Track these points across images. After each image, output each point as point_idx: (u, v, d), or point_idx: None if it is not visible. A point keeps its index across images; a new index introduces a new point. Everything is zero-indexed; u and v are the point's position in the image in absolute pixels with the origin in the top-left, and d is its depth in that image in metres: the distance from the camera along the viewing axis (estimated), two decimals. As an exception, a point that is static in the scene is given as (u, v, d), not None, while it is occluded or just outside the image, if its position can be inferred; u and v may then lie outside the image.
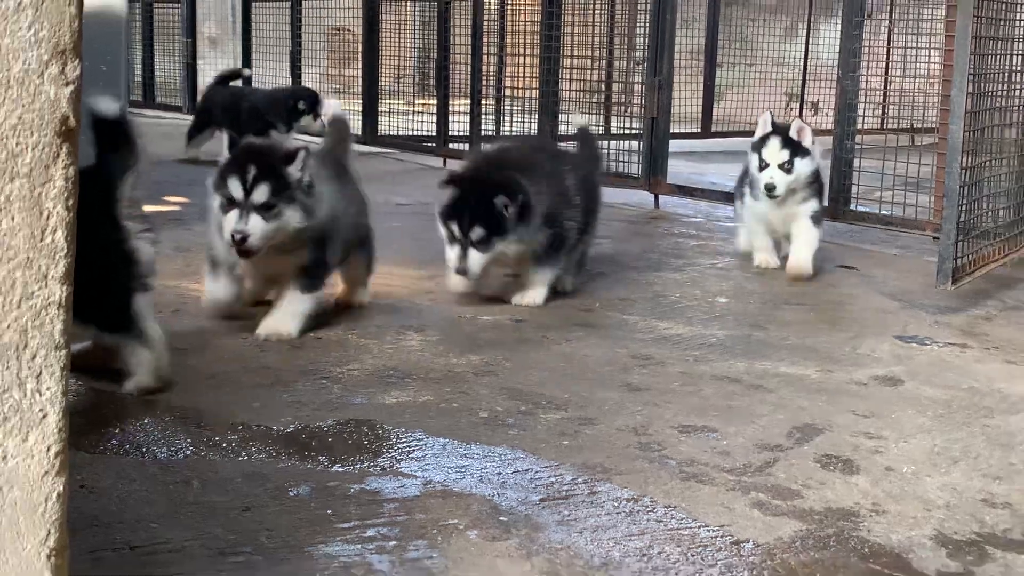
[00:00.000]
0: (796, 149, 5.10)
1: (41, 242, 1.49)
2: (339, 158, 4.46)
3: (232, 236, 3.58)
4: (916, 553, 2.42)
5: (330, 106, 5.45)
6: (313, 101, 8.30)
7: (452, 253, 4.24)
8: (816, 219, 5.25)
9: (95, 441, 2.82)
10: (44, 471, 1.52)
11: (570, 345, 3.94)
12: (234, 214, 3.61)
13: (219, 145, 4.56)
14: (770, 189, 5.06)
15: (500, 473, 2.75)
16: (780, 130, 5.19)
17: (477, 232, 4.18)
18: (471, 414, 3.18)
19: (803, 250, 5.18)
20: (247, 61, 11.46)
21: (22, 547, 1.52)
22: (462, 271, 4.24)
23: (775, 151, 5.10)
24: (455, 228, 4.21)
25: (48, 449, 1.52)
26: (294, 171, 3.69)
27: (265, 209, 3.62)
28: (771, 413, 3.27)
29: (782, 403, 3.37)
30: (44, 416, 1.52)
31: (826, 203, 5.85)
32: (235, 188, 3.63)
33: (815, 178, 5.24)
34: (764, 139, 5.17)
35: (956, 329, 4.40)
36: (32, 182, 1.47)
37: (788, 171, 5.07)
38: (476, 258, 4.20)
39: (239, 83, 9.40)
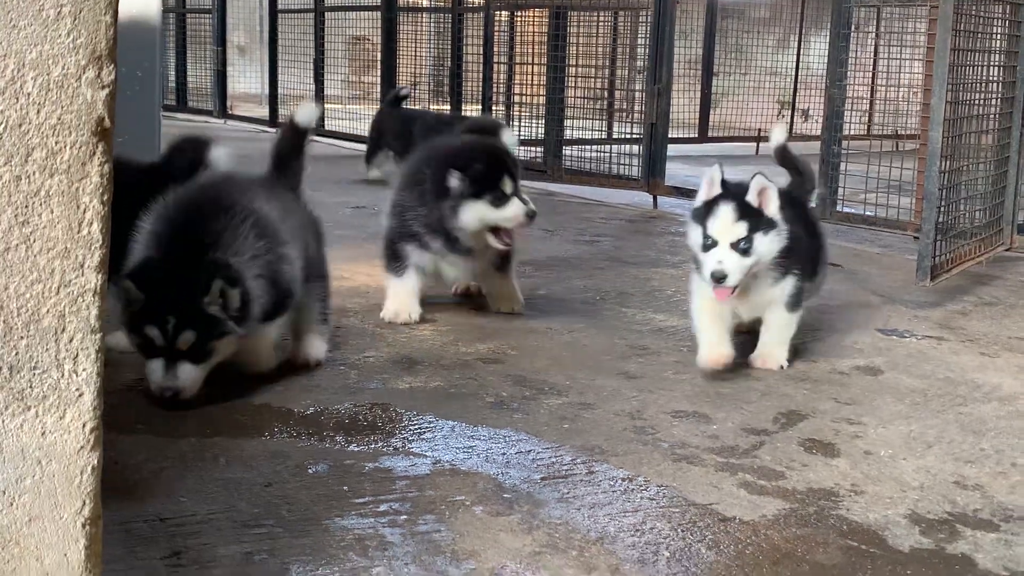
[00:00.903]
0: (757, 220, 3.41)
1: (78, 234, 1.49)
2: None
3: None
4: (891, 531, 2.43)
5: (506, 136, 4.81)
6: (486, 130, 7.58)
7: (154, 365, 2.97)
8: (794, 303, 3.64)
9: (129, 420, 2.84)
10: (80, 446, 1.53)
11: (572, 335, 3.95)
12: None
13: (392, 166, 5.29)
14: (719, 278, 3.34)
15: (505, 454, 2.77)
16: (733, 193, 3.46)
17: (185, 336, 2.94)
18: (478, 399, 3.19)
19: (775, 339, 3.69)
20: (273, 69, 11.49)
21: (59, 516, 1.53)
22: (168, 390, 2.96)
23: (726, 224, 3.38)
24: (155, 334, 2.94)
25: (84, 426, 1.52)
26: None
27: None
28: (758, 400, 3.27)
29: (769, 391, 3.38)
30: (80, 395, 1.52)
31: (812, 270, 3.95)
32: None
33: (788, 252, 3.53)
34: (711, 205, 3.44)
35: (934, 323, 4.39)
36: (70, 178, 1.47)
37: (746, 252, 3.37)
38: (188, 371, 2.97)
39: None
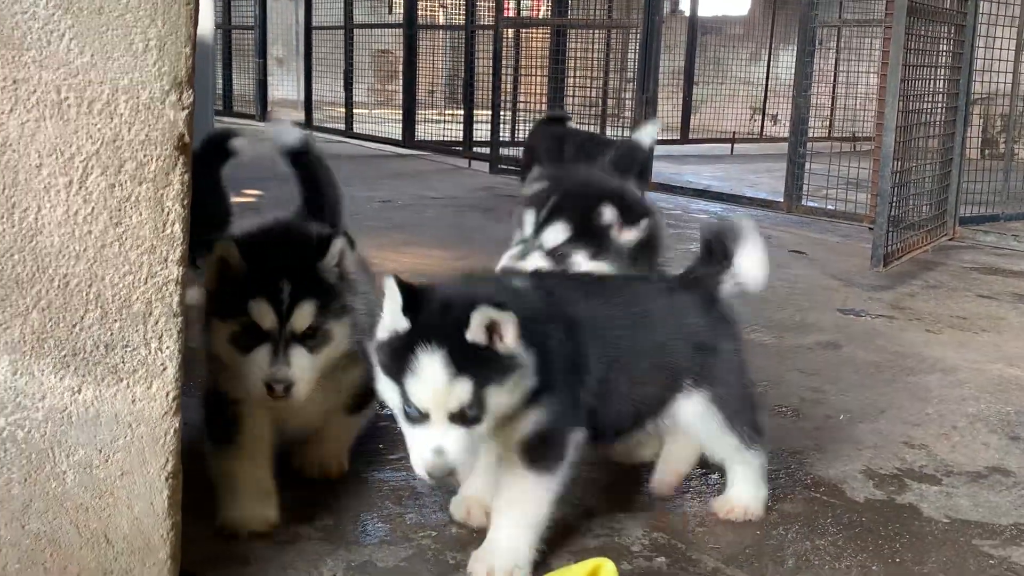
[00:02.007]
0: (486, 368, 1.76)
1: (163, 232, 1.52)
2: None
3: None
4: (849, 484, 2.46)
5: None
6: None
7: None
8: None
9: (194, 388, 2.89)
10: (164, 411, 1.57)
11: None
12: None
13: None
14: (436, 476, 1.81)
15: None
16: (440, 325, 1.76)
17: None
18: None
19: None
20: (308, 78, 11.45)
21: (147, 471, 1.57)
22: None
23: (438, 388, 1.72)
24: None
25: (167, 394, 1.56)
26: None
27: None
28: None
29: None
30: (164, 369, 1.55)
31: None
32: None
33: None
34: (403, 350, 1.75)
35: (886, 303, 4.39)
36: (156, 186, 1.51)
37: (476, 420, 1.76)
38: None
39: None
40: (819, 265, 5.22)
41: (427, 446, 1.72)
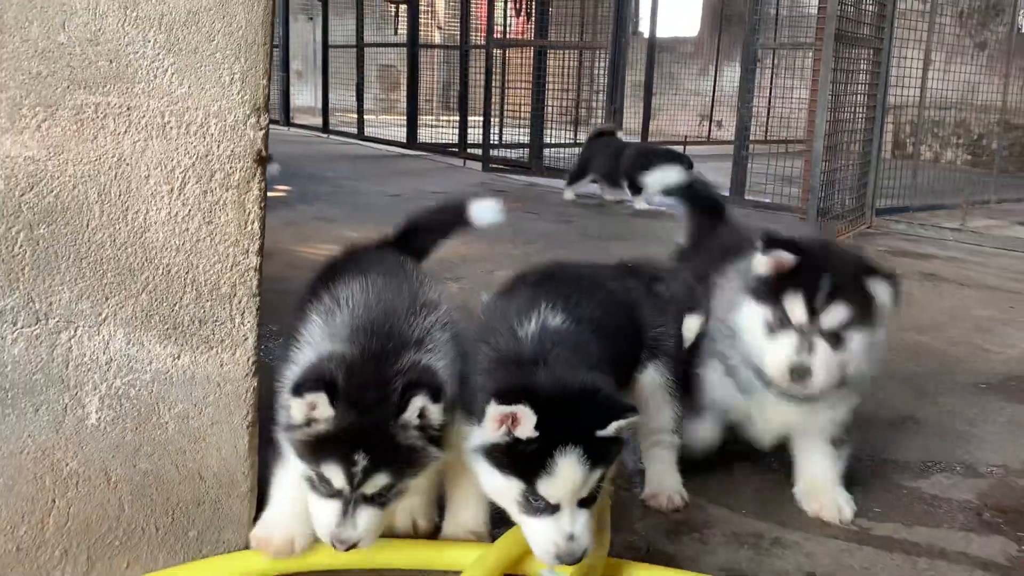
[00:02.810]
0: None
1: (245, 229, 1.58)
2: None
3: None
4: None
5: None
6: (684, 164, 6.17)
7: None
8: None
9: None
10: (245, 373, 1.63)
11: None
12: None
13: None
14: (800, 374, 1.83)
15: None
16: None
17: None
18: None
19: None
20: (325, 88, 11.43)
21: (231, 421, 1.64)
22: None
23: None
24: None
25: (248, 359, 1.63)
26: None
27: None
28: None
29: None
30: (246, 339, 1.62)
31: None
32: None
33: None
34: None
35: None
36: (239, 192, 1.57)
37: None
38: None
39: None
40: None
41: (560, 534, 1.53)
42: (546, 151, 8.34)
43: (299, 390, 1.47)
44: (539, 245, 4.99)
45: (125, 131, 1.46)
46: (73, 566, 1.55)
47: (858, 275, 1.89)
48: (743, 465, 2.31)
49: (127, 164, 1.47)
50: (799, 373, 1.83)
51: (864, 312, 1.87)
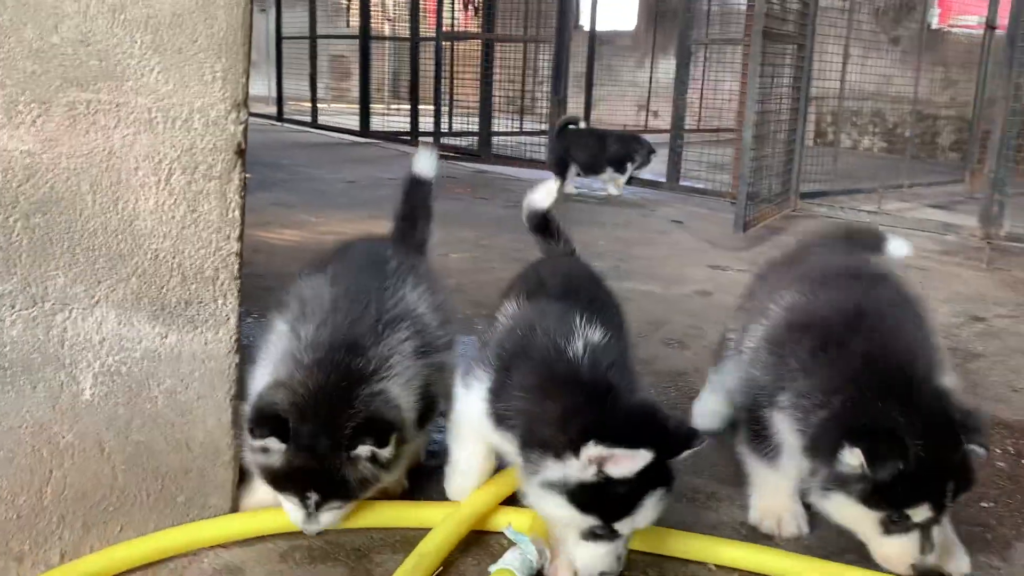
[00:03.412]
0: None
1: (226, 216, 1.62)
2: None
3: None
4: None
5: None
6: (650, 151, 6.59)
7: None
8: None
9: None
10: (228, 350, 1.67)
11: (506, 272, 4.01)
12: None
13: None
14: (923, 569, 1.56)
15: (473, 353, 2.92)
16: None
17: None
18: None
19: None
20: (279, 80, 11.27)
21: (216, 395, 1.68)
22: None
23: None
24: None
25: (230, 338, 1.67)
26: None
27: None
28: (633, 315, 3.37)
29: (640, 309, 3.48)
30: (228, 319, 1.66)
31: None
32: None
33: None
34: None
35: (746, 260, 4.56)
36: (222, 182, 1.60)
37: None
38: None
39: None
40: (694, 231, 5.39)
41: (612, 556, 1.51)
42: (494, 139, 8.37)
43: (252, 431, 1.56)
44: (491, 229, 5.04)
45: (115, 126, 1.49)
46: (70, 531, 1.59)
47: (960, 448, 1.54)
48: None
49: (117, 157, 1.51)
50: (922, 569, 1.59)
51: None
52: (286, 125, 11.08)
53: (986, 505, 2.07)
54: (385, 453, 1.61)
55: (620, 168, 6.51)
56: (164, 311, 1.60)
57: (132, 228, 1.54)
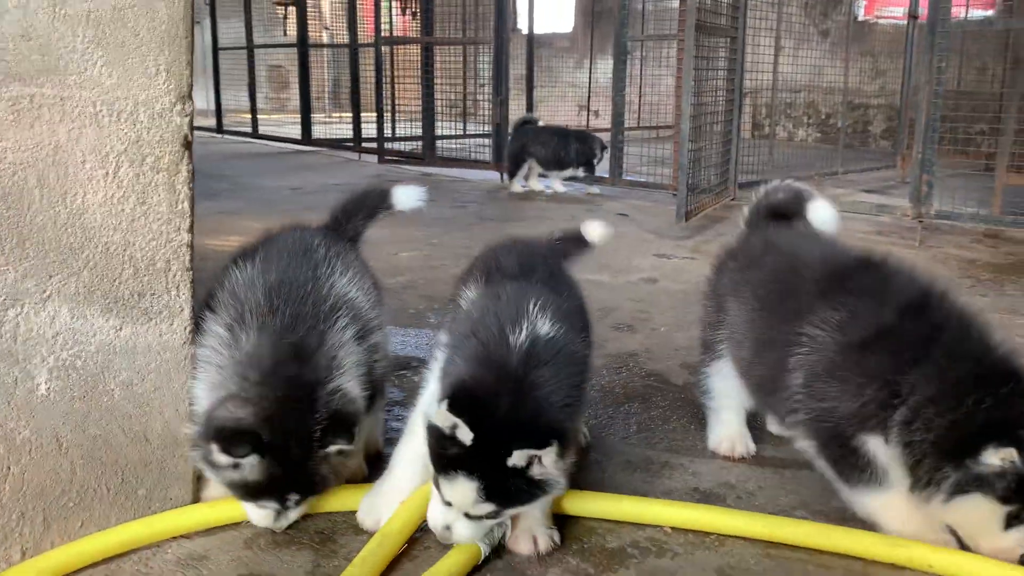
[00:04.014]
0: (513, 495, 1.53)
1: (176, 208, 1.63)
2: None
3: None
4: (671, 374, 2.73)
5: None
6: (603, 147, 6.71)
7: None
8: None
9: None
10: (183, 342, 1.69)
11: (456, 269, 4.04)
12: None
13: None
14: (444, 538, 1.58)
15: (426, 344, 2.95)
16: (479, 455, 1.46)
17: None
18: (404, 312, 3.31)
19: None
20: (217, 92, 11.14)
21: (172, 385, 1.68)
22: None
23: (465, 499, 1.51)
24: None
25: (184, 329, 1.69)
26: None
27: None
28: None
29: (591, 297, 3.31)
30: (182, 310, 1.68)
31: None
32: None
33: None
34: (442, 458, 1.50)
35: (688, 249, 4.69)
36: (170, 173, 1.62)
37: (495, 515, 1.56)
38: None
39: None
40: (638, 223, 5.49)
41: (442, 518, 1.59)
42: (438, 142, 8.40)
43: (228, 451, 1.54)
44: (440, 228, 5.08)
45: (60, 120, 1.50)
46: (31, 527, 1.59)
47: None
48: (632, 404, 2.50)
49: (64, 151, 1.51)
50: None
51: None
52: (226, 137, 10.97)
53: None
54: (352, 447, 1.66)
55: (586, 164, 6.63)
56: (117, 304, 1.61)
57: (82, 221, 1.55)
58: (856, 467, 1.70)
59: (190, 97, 1.64)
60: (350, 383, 1.68)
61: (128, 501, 1.69)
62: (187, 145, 1.64)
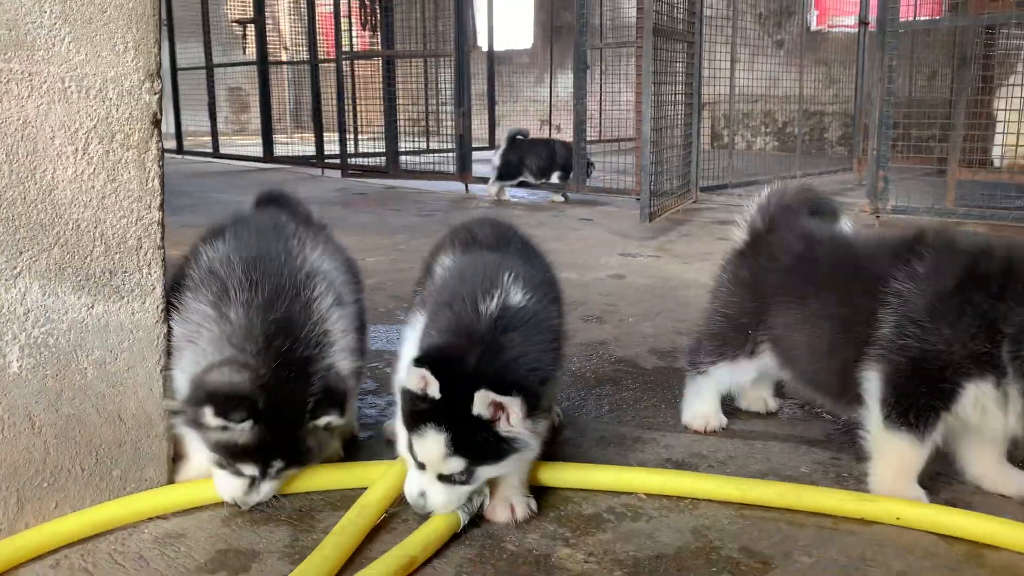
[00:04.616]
0: (483, 448, 1.56)
1: (147, 186, 1.64)
2: None
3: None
4: (640, 359, 2.78)
5: None
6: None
7: None
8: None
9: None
10: (156, 320, 1.69)
11: None
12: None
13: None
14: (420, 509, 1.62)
15: (397, 338, 2.96)
16: (448, 406, 1.51)
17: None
18: (374, 311, 3.30)
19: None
20: (177, 113, 11.08)
21: (146, 365, 1.69)
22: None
23: (435, 457, 1.55)
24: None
25: (157, 307, 1.69)
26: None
27: None
28: None
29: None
30: (154, 288, 1.68)
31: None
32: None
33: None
34: (414, 414, 1.54)
35: (653, 248, 4.77)
36: (140, 151, 1.63)
37: (466, 482, 1.60)
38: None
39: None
40: (604, 227, 5.57)
41: (416, 486, 1.64)
42: (402, 157, 8.42)
43: (224, 413, 1.55)
44: (406, 235, 5.12)
45: (28, 95, 1.51)
46: (4, 508, 1.57)
47: None
48: (603, 387, 2.53)
49: (32, 126, 1.52)
50: None
51: None
52: (187, 157, 10.89)
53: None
54: (342, 421, 1.68)
55: (565, 170, 6.82)
56: (89, 281, 1.61)
57: (52, 198, 1.55)
58: (922, 416, 1.74)
59: (158, 75, 1.65)
60: (343, 360, 1.72)
61: (103, 482, 1.68)
62: (156, 123, 1.66)
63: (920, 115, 7.64)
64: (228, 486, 1.68)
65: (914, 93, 8.65)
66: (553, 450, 2.08)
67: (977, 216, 4.68)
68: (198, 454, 1.74)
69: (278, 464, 1.66)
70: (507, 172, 6.95)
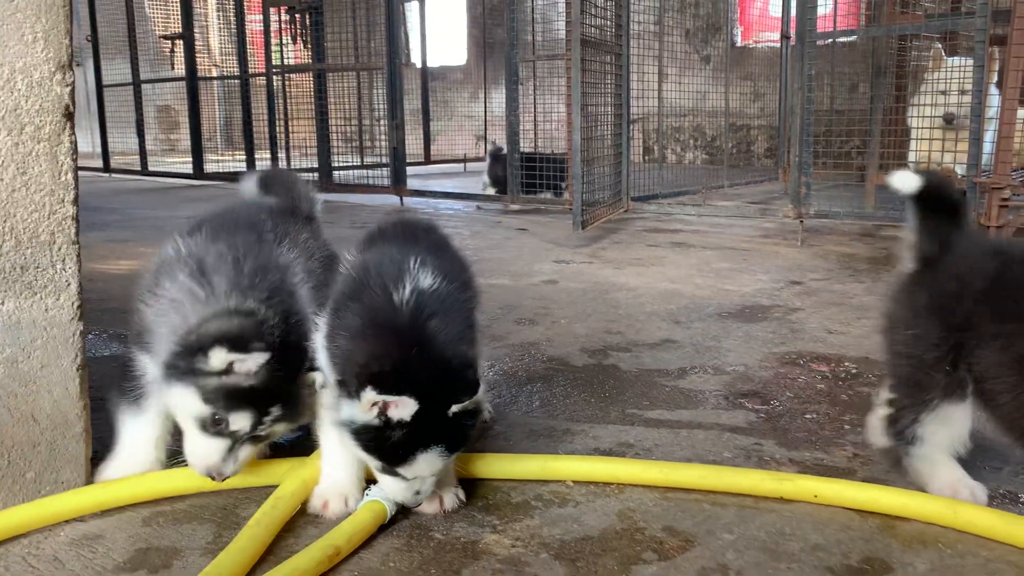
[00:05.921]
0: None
1: (59, 179, 1.61)
2: None
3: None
4: (572, 358, 2.80)
5: None
6: None
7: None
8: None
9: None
10: (71, 317, 1.65)
11: None
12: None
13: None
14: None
15: None
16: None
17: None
18: None
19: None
20: (103, 132, 10.82)
21: (61, 363, 1.65)
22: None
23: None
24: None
25: (72, 304, 1.65)
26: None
27: None
28: (488, 302, 3.45)
29: (494, 297, 3.64)
30: (68, 284, 1.64)
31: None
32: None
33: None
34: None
35: (586, 254, 4.82)
36: (51, 144, 1.60)
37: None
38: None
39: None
40: (538, 236, 5.61)
41: (411, 493, 1.63)
42: (336, 172, 8.36)
43: (245, 348, 1.49)
44: (338, 246, 5.06)
45: (-68, 85, 1.47)
46: (-92, 513, 1.51)
47: None
48: (534, 384, 2.55)
49: (-64, 116, 1.48)
50: None
51: None
52: (114, 176, 10.64)
53: (809, 416, 2.30)
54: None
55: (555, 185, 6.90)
56: (-2, 277, 1.57)
57: (-42, 190, 1.51)
58: None
59: (70, 67, 1.62)
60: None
61: (16, 485, 1.63)
62: (69, 116, 1.63)
63: (841, 125, 7.92)
64: (206, 450, 1.58)
65: (836, 105, 8.94)
66: (484, 443, 2.09)
67: (895, 218, 4.85)
68: (130, 447, 1.72)
69: (275, 411, 1.58)
70: (498, 186, 7.21)
